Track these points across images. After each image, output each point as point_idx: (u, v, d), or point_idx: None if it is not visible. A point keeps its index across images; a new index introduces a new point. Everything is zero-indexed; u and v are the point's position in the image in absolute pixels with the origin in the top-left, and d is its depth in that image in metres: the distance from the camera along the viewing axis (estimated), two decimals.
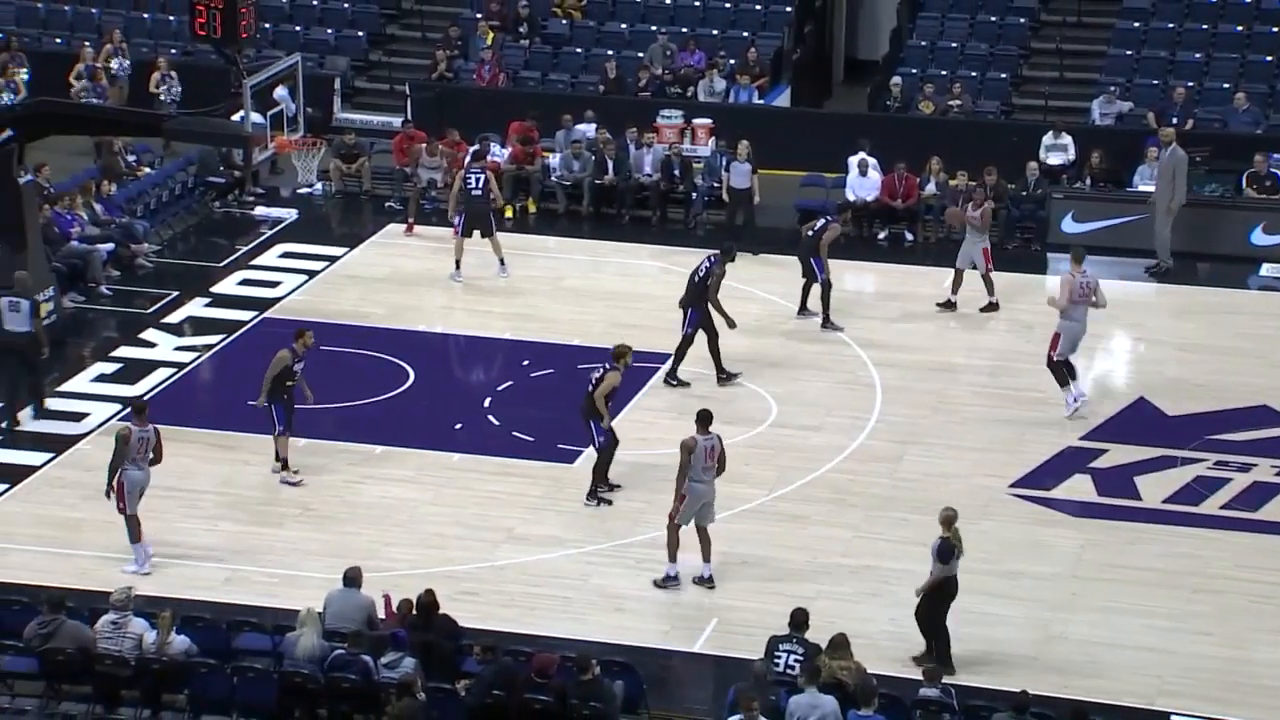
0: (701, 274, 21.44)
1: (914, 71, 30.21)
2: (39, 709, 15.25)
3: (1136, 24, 30.63)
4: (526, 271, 24.94)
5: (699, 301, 21.36)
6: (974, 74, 30.19)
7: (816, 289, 23.09)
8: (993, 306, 23.73)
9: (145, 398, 19.84)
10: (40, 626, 15.22)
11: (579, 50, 31.18)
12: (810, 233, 23.07)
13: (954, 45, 30.92)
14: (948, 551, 16.00)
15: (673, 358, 21.43)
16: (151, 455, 17.48)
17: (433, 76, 30.14)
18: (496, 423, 20.78)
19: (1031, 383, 21.91)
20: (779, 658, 15.12)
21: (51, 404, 20.58)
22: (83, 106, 26.71)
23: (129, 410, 18.30)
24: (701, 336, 21.40)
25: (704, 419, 17.49)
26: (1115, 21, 30.95)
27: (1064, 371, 20.94)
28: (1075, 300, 20.79)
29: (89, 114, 25.83)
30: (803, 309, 23.28)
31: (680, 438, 17.47)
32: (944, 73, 30.03)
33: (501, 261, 24.35)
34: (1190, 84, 28.83)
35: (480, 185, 24.13)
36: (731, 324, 21.53)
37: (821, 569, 17.89)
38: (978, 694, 15.47)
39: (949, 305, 23.76)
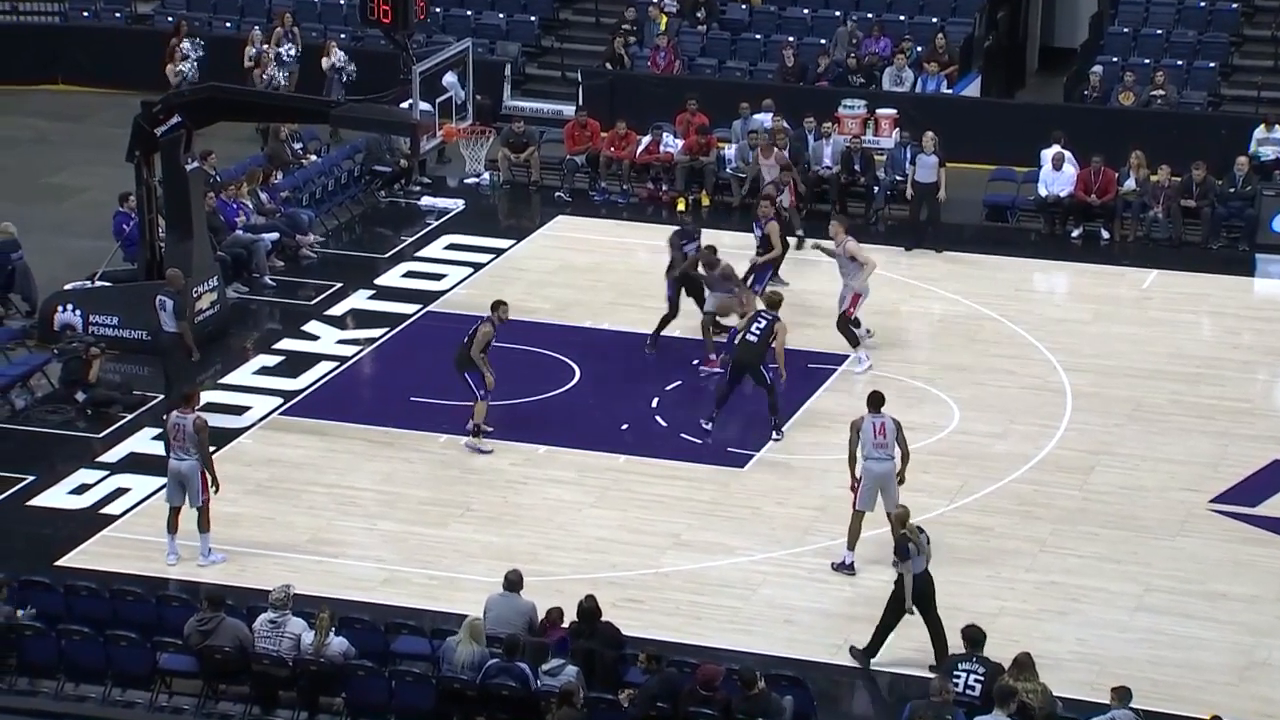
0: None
1: (1114, 60, 29.71)
2: (196, 708, 15.62)
3: None
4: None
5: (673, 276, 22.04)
6: (1179, 63, 29.60)
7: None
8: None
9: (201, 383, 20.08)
10: (200, 623, 15.59)
11: (758, 36, 31.16)
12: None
13: (1159, 32, 30.36)
14: (904, 549, 16.00)
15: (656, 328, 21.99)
16: (188, 445, 17.65)
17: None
18: (664, 424, 20.86)
19: (1237, 392, 21.47)
20: (958, 677, 14.97)
21: (212, 396, 21.03)
22: (250, 92, 27.28)
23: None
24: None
25: (874, 400, 17.81)
26: None
27: (853, 331, 21.65)
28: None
29: (257, 100, 26.36)
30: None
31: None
32: (1146, 61, 29.49)
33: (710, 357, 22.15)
34: None
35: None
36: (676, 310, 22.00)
37: (1005, 584, 17.70)
38: None
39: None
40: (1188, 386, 21.70)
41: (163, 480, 19.03)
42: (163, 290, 20.55)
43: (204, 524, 17.87)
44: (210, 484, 17.83)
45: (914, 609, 16.11)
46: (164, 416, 18.79)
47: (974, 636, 15.12)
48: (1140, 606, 17.36)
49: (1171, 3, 30.79)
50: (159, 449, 19.78)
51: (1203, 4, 30.69)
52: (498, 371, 20.32)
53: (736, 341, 20.48)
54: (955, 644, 15.40)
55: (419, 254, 25.65)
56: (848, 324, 21.79)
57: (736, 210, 26.92)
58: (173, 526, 17.96)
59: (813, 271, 23.92)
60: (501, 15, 32.29)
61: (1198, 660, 16.56)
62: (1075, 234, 26.37)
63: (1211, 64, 29.69)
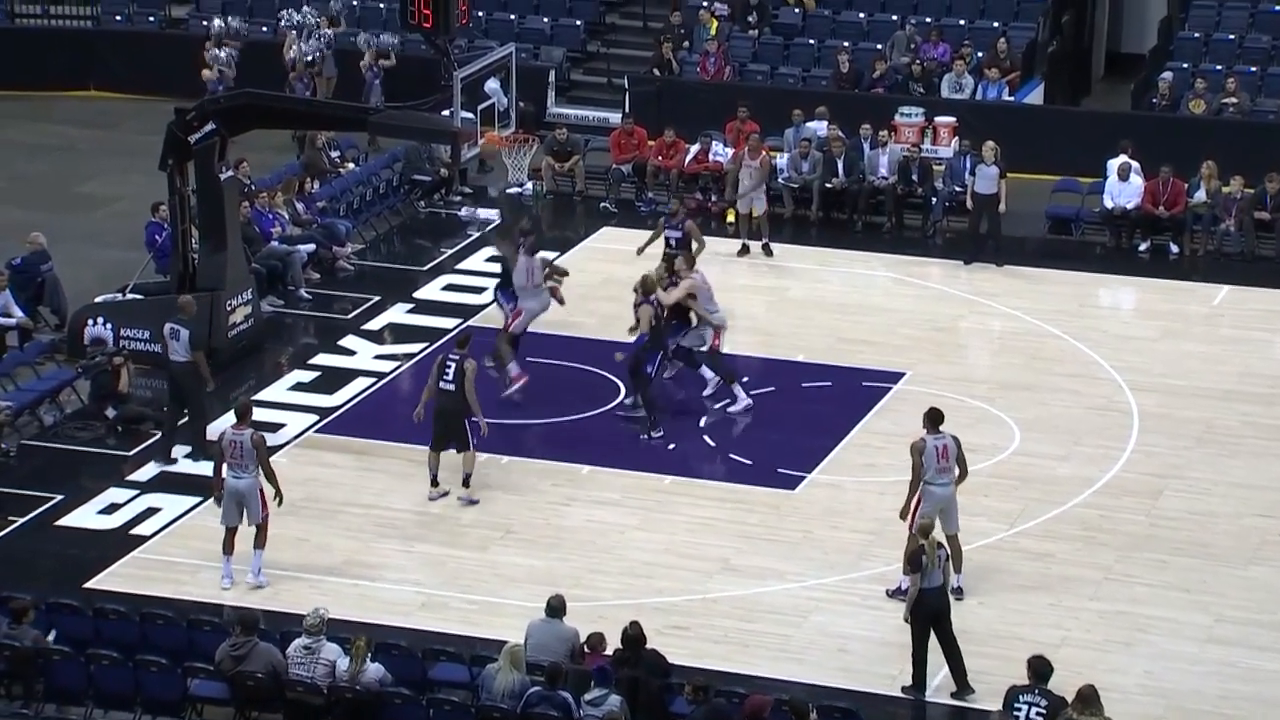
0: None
1: (1184, 66, 29.60)
2: None
3: None
4: (748, 280, 24.97)
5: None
6: (1253, 69, 29.48)
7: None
8: None
9: (246, 398, 19.92)
10: (232, 648, 15.63)
11: (811, 41, 31.16)
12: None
13: (1231, 38, 30.24)
14: (916, 560, 15.95)
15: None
16: (246, 462, 17.65)
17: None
18: (712, 443, 20.84)
19: None
20: (1019, 710, 14.89)
21: None
22: (287, 99, 27.39)
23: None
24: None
25: (933, 418, 17.61)
26: None
27: (727, 366, 21.44)
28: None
29: (293, 107, 26.46)
30: None
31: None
32: (1219, 68, 29.38)
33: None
34: None
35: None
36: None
37: (1068, 613, 17.60)
38: None
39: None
40: (1261, 408, 21.55)
41: (195, 500, 19.20)
42: (174, 319, 20.25)
43: (261, 541, 17.90)
44: (274, 497, 17.86)
45: (908, 619, 16.16)
46: (191, 438, 18.68)
47: (1040, 669, 15.01)
48: (1210, 638, 17.25)
49: (1245, 7, 30.65)
50: (191, 468, 19.87)
51: (1278, 8, 30.52)
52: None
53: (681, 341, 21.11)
54: (1018, 675, 15.30)
55: (459, 266, 25.72)
56: (718, 356, 21.35)
57: (788, 222, 26.89)
58: (228, 548, 17.95)
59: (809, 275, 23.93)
60: (546, 20, 32.39)
61: (1270, 694, 16.43)
62: (1142, 248, 26.24)
63: None
